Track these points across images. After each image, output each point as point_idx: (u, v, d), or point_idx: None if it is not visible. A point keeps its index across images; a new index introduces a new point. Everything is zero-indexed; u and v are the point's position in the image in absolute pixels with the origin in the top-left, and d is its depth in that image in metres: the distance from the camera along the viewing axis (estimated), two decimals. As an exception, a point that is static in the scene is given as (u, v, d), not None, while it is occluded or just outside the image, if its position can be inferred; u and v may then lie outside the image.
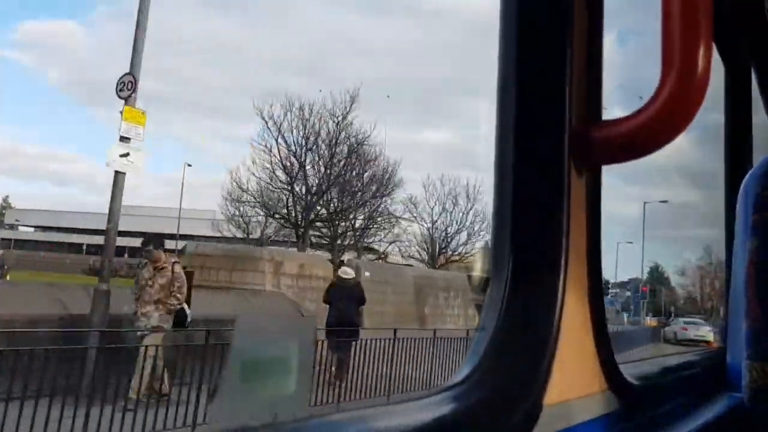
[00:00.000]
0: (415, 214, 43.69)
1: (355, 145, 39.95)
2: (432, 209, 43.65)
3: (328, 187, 39.70)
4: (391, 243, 43.55)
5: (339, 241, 41.10)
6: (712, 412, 1.67)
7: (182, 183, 57.66)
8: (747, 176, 1.76)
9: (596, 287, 1.20)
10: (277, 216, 40.62)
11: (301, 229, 39.47)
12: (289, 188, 39.62)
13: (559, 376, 1.06)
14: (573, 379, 1.14)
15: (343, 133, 39.63)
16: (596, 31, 1.22)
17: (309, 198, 39.54)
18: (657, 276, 59.58)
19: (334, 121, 39.44)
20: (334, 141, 39.76)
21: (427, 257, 43.88)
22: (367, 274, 19.61)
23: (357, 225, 42.02)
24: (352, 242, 41.91)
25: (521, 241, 1.09)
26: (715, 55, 2.44)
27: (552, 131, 1.11)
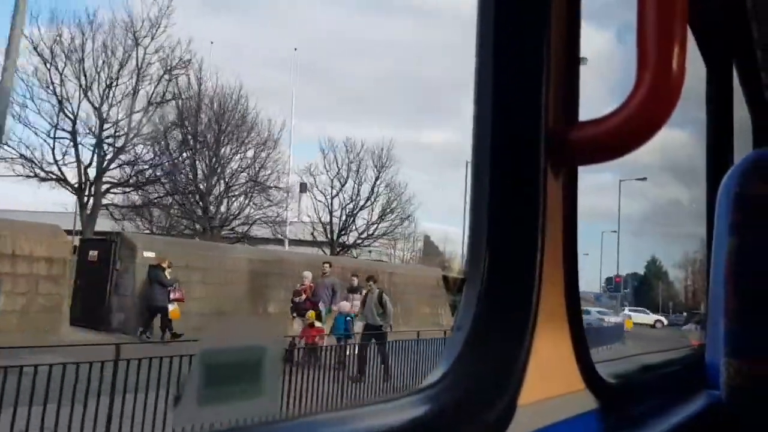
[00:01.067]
0: (311, 188, 36.53)
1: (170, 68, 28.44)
2: (332, 180, 36.67)
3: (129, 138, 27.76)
4: (273, 224, 34.54)
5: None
6: (691, 409, 1.68)
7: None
8: (727, 174, 1.77)
9: (573, 287, 1.20)
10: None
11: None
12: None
13: (535, 376, 1.06)
14: (549, 379, 1.14)
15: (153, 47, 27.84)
16: (574, 33, 1.22)
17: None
18: (655, 270, 58.80)
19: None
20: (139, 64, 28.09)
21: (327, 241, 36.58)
22: (149, 254, 16.61)
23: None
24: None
25: (497, 242, 1.09)
26: (697, 54, 2.45)
27: (529, 132, 1.11)
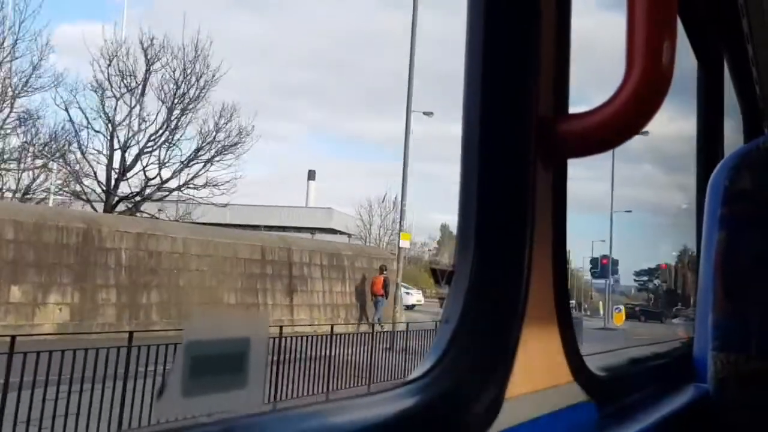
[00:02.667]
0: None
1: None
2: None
3: None
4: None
5: None
6: (679, 402, 1.69)
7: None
8: (716, 169, 1.77)
9: (561, 279, 1.20)
10: None
11: None
12: None
13: (523, 368, 1.06)
14: (538, 371, 1.14)
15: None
16: (564, 25, 1.21)
17: None
18: (689, 260, 52.55)
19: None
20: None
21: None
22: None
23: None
24: None
25: (486, 234, 1.09)
26: (690, 51, 2.46)
27: (519, 124, 1.11)
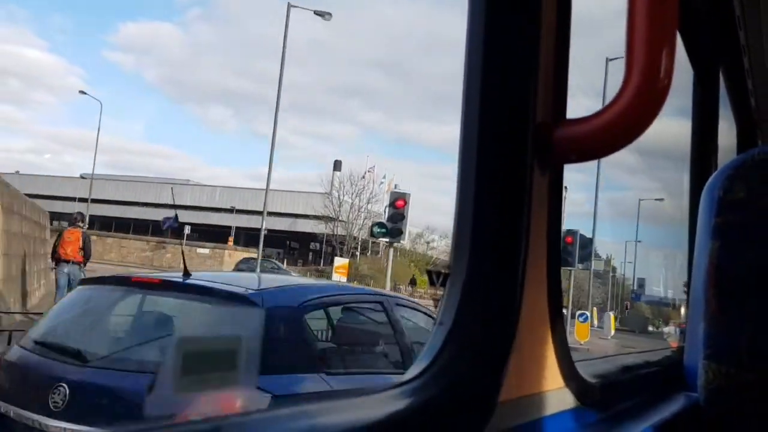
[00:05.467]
0: None
1: None
2: None
3: None
4: None
5: None
6: (669, 410, 1.69)
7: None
8: (710, 179, 1.78)
9: (555, 284, 1.20)
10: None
11: None
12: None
13: (515, 372, 1.06)
14: (530, 375, 1.14)
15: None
16: (564, 29, 1.22)
17: None
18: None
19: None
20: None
21: None
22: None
23: None
24: None
25: (482, 237, 1.09)
26: (685, 60, 2.47)
27: (516, 128, 1.11)
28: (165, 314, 4.20)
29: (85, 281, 6.99)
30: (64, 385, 3.57)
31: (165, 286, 4.39)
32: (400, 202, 19.94)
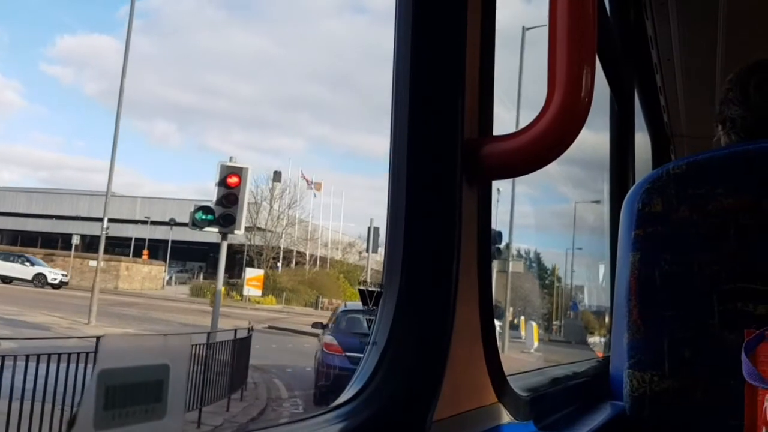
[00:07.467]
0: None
1: None
2: None
3: None
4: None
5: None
6: (597, 420, 1.72)
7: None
8: (629, 193, 1.84)
9: (486, 300, 1.21)
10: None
11: None
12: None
13: (449, 390, 1.06)
14: (464, 393, 1.14)
15: None
16: (489, 46, 1.24)
17: None
18: None
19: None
20: None
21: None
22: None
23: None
24: None
25: (414, 254, 1.08)
26: (604, 80, 2.56)
27: (445, 144, 1.12)
28: None
29: None
30: None
31: None
32: (232, 179, 13.72)
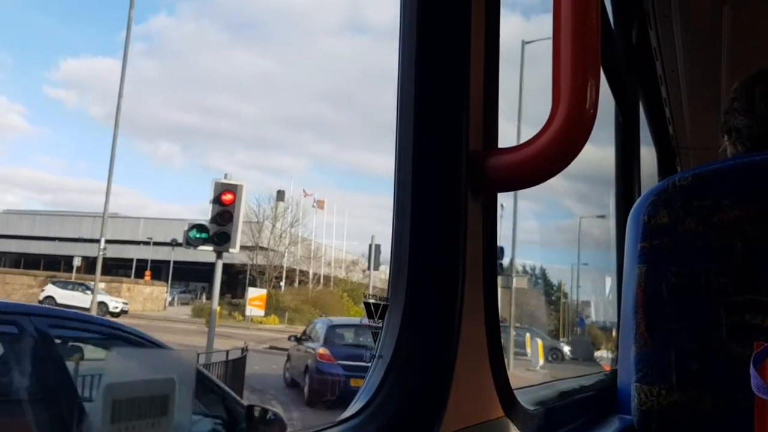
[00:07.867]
0: None
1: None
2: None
3: None
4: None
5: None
6: None
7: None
8: (635, 205, 1.83)
9: (492, 313, 1.20)
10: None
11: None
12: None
13: (456, 404, 1.05)
14: (470, 407, 1.13)
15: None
16: (493, 59, 1.24)
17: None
18: None
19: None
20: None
21: None
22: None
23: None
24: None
25: (419, 267, 1.08)
26: (609, 93, 2.56)
27: (449, 156, 1.12)
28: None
29: None
30: None
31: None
32: (227, 196, 13.49)
